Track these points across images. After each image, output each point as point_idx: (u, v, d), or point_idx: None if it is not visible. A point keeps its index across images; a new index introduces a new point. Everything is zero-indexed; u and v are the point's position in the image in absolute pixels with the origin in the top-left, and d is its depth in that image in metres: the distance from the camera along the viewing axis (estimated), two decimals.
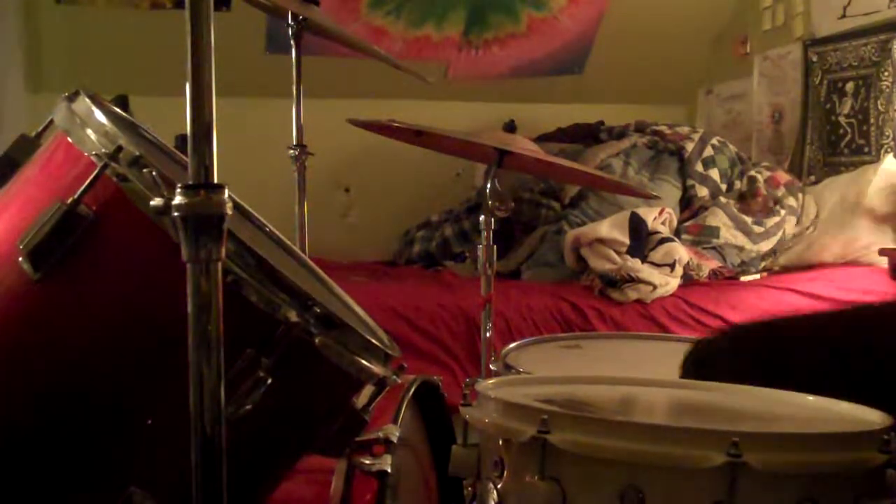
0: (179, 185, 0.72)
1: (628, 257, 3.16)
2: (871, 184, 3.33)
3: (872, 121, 3.60)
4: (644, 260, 3.19)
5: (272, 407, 0.84)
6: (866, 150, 3.63)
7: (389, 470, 1.13)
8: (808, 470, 0.69)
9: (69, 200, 0.81)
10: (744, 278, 3.41)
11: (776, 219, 3.52)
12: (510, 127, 4.60)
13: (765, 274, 3.47)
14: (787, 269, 3.49)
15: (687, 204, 3.70)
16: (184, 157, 0.79)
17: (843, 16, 3.73)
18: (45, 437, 0.84)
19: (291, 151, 2.08)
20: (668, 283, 3.13)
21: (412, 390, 1.31)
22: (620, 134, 4.04)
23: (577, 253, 3.30)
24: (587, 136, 4.21)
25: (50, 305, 0.84)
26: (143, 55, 3.80)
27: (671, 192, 3.66)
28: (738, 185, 3.73)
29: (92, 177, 0.81)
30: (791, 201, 3.57)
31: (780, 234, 3.51)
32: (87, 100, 0.90)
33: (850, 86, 3.71)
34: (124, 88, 2.92)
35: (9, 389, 0.85)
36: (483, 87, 4.59)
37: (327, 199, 4.32)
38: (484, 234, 1.71)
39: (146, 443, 0.85)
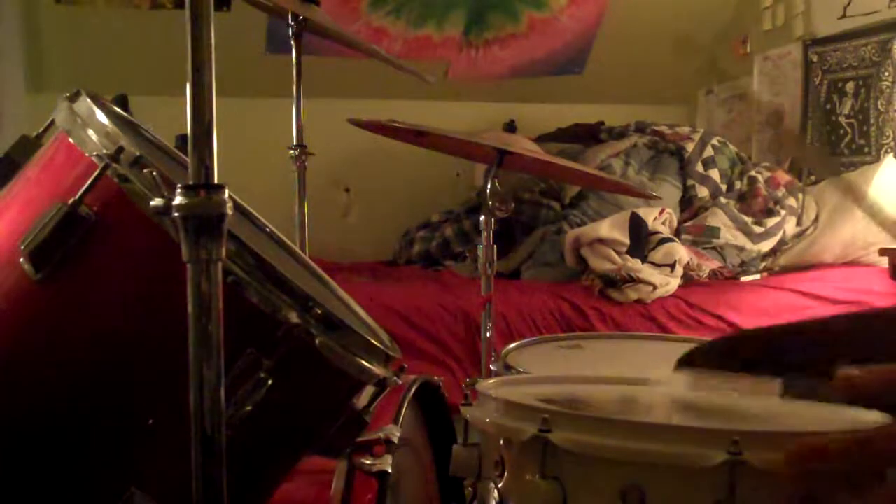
0: (179, 185, 0.72)
1: (628, 257, 3.16)
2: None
3: (873, 121, 3.60)
4: (644, 260, 3.19)
5: (273, 408, 0.84)
6: (866, 150, 3.64)
7: (390, 470, 1.13)
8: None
9: (70, 201, 0.81)
10: (744, 278, 3.41)
11: (776, 219, 3.52)
12: (510, 127, 4.61)
13: (765, 274, 3.47)
14: (787, 269, 3.49)
15: (687, 204, 3.71)
16: (184, 157, 0.79)
17: (844, 16, 3.73)
18: (46, 437, 0.84)
19: (291, 151, 2.08)
20: (669, 283, 3.13)
21: (413, 391, 1.31)
22: (620, 134, 4.04)
23: (577, 253, 3.30)
24: (587, 136, 4.21)
25: (51, 306, 0.84)
26: (143, 55, 3.80)
27: (671, 192, 3.67)
28: (738, 185, 3.73)
29: (93, 177, 0.81)
30: (791, 201, 3.57)
31: (780, 234, 3.51)
32: (89, 100, 0.90)
33: (850, 86, 3.71)
34: (124, 88, 2.92)
35: (9, 390, 0.85)
36: (483, 87, 4.59)
37: (327, 199, 4.32)
38: (484, 234, 1.71)
39: (146, 443, 0.85)
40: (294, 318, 0.83)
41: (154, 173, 0.80)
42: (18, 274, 0.82)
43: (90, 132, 0.86)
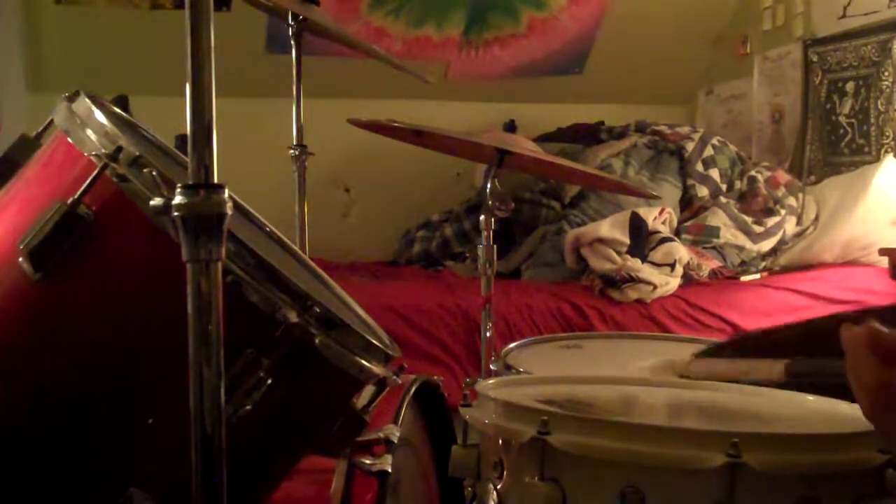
0: (179, 185, 0.72)
1: (628, 257, 3.16)
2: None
3: (873, 121, 3.59)
4: (644, 260, 3.19)
5: (272, 407, 0.84)
6: (866, 149, 3.63)
7: (390, 470, 1.13)
8: (808, 470, 0.69)
9: (69, 201, 0.81)
10: (744, 278, 3.41)
11: (776, 219, 3.52)
12: (510, 127, 4.60)
13: (765, 274, 3.47)
14: (787, 269, 3.49)
15: (687, 204, 3.70)
16: (184, 157, 0.79)
17: (844, 16, 3.73)
18: (45, 437, 0.84)
19: (291, 151, 2.07)
20: (669, 282, 3.13)
21: (412, 390, 1.31)
22: (620, 134, 4.04)
23: (577, 253, 3.30)
24: (587, 136, 4.21)
25: (50, 305, 0.84)
26: (143, 55, 3.80)
27: (671, 192, 3.66)
28: (738, 185, 3.73)
29: (92, 177, 0.81)
30: (791, 201, 3.57)
31: (780, 234, 3.51)
32: (87, 100, 0.90)
33: (850, 86, 3.71)
34: (124, 88, 2.91)
35: (9, 389, 0.85)
36: (483, 87, 4.59)
37: (327, 199, 4.32)
38: (484, 234, 1.71)
39: (146, 443, 0.85)
40: (293, 317, 0.83)
41: (153, 173, 0.79)
42: (17, 273, 0.82)
43: (89, 132, 0.86)
